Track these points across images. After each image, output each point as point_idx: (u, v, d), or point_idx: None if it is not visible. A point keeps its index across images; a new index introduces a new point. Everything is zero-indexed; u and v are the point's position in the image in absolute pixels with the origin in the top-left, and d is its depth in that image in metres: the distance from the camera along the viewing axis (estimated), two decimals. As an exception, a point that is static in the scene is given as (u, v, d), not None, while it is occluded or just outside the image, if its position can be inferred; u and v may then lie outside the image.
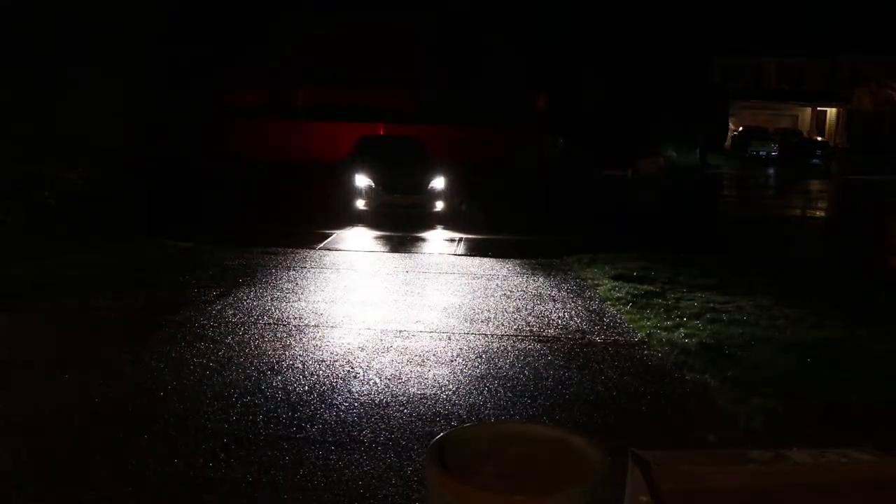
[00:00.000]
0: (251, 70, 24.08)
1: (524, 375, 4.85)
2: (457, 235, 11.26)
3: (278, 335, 5.63)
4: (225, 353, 5.15)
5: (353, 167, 13.15)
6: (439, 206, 12.84)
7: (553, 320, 6.25)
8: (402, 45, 24.99)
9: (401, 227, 11.88)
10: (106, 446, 3.69)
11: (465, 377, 4.79)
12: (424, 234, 11.35)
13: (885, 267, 10.27)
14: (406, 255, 9.64)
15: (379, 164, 13.11)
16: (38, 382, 4.57)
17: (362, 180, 12.83)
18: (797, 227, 15.31)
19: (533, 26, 26.73)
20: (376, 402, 4.34)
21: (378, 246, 10.35)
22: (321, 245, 9.97)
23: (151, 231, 11.05)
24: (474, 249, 10.13)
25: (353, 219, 12.34)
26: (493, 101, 24.81)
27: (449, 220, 12.65)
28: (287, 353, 5.21)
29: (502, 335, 5.77)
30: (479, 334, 5.78)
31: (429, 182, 12.85)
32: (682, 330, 5.91)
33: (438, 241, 10.82)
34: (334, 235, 10.87)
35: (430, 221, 12.46)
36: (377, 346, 5.41)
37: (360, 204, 12.68)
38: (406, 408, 4.25)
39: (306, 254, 9.22)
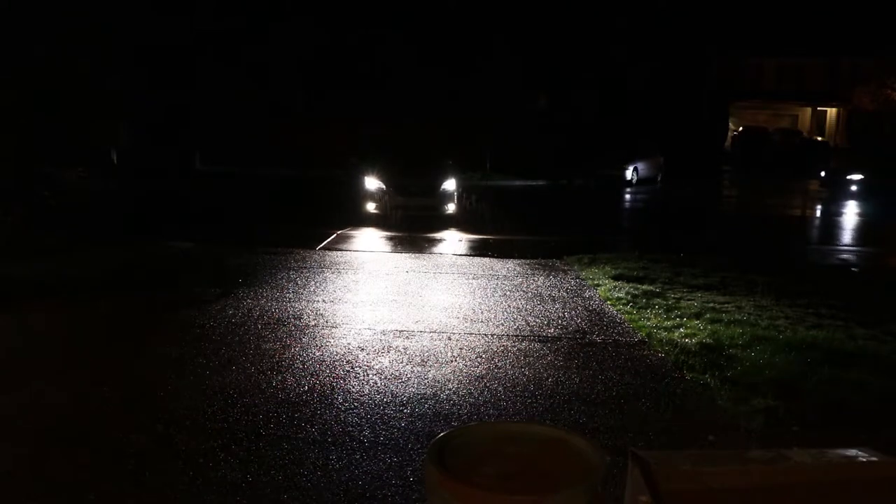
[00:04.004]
0: (245, 72, 24.04)
1: (524, 375, 4.85)
2: (457, 235, 11.26)
3: (279, 335, 5.63)
4: (225, 353, 5.15)
5: (362, 169, 12.78)
6: (451, 208, 12.53)
7: (553, 320, 6.25)
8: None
9: (402, 226, 11.88)
10: (105, 446, 3.69)
11: (465, 377, 4.79)
12: (424, 234, 11.34)
13: (883, 267, 10.27)
14: (405, 254, 9.64)
15: (389, 165, 12.72)
16: (36, 382, 4.58)
17: (372, 182, 12.46)
18: (796, 227, 15.30)
19: (533, 27, 26.74)
20: (376, 401, 4.34)
21: (378, 245, 10.36)
22: (321, 245, 9.97)
23: (152, 231, 11.06)
24: (475, 249, 10.13)
25: (362, 221, 12.19)
26: (493, 101, 24.80)
27: (453, 221, 12.63)
28: (288, 353, 5.21)
29: (502, 335, 5.77)
30: (479, 334, 5.78)
31: (441, 184, 12.54)
32: (682, 330, 5.91)
33: (438, 241, 10.83)
34: (335, 235, 10.87)
35: (433, 222, 12.42)
36: (378, 346, 5.41)
37: (371, 207, 12.36)
38: (406, 408, 4.25)
39: (307, 254, 9.22)
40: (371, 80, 24.54)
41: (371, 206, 12.39)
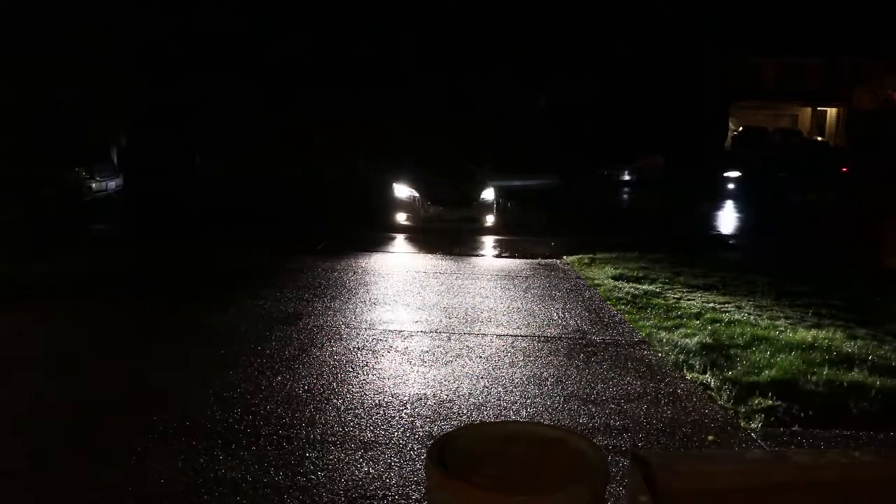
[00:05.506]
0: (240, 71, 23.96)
1: (524, 375, 4.85)
2: (456, 235, 11.23)
3: (280, 335, 5.63)
4: (226, 352, 5.15)
5: (390, 174, 11.90)
6: (490, 220, 11.53)
7: (554, 320, 6.25)
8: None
9: (408, 229, 11.83)
10: (105, 446, 3.69)
11: (465, 377, 4.79)
12: (421, 234, 11.31)
13: (883, 268, 10.27)
14: (403, 254, 9.64)
15: (420, 170, 11.83)
16: (38, 381, 4.58)
17: (403, 190, 11.48)
18: (796, 226, 15.30)
19: (533, 27, 26.75)
20: (376, 401, 4.34)
21: (376, 245, 10.33)
22: (322, 245, 9.96)
23: (154, 231, 11.06)
24: (475, 249, 10.12)
25: (375, 225, 11.69)
26: (493, 101, 24.79)
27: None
28: (287, 352, 5.21)
29: (503, 335, 5.77)
30: (479, 334, 5.78)
31: (479, 193, 11.56)
32: (682, 330, 5.91)
33: (435, 240, 10.80)
34: (332, 236, 10.86)
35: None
36: (378, 346, 5.41)
37: (402, 218, 11.40)
38: (406, 407, 4.25)
39: (309, 254, 9.21)
40: (372, 80, 24.53)
41: (402, 217, 11.35)
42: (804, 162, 21.98)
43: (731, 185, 19.32)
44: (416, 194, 11.37)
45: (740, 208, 17.45)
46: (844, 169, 20.80)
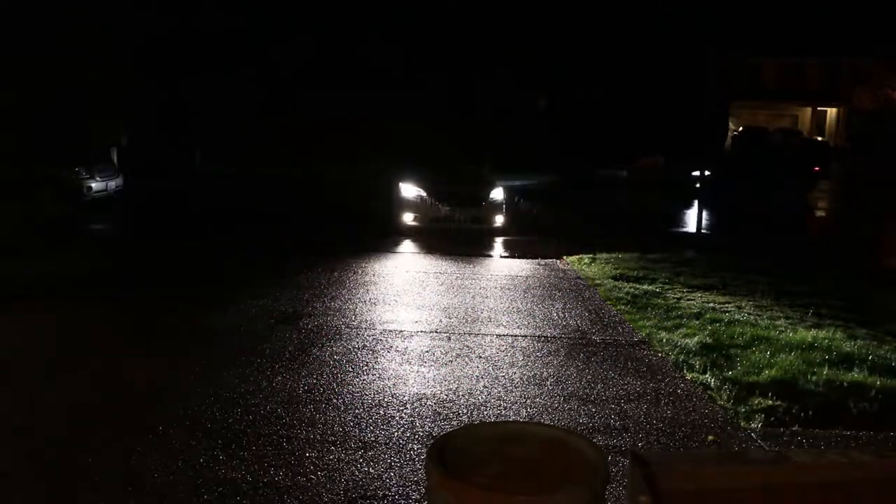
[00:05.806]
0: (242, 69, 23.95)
1: (524, 375, 4.85)
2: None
3: (280, 335, 5.62)
4: (226, 352, 5.15)
5: (397, 176, 11.65)
6: (499, 220, 11.29)
7: (554, 320, 6.25)
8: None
9: (406, 229, 11.81)
10: (105, 445, 3.69)
11: (465, 377, 4.79)
12: (416, 233, 11.30)
13: (883, 268, 10.26)
14: (403, 254, 9.63)
15: (427, 169, 11.63)
16: (38, 381, 4.58)
17: (409, 190, 11.21)
18: (796, 226, 15.30)
19: (533, 27, 26.75)
20: (376, 401, 4.34)
21: (374, 245, 10.32)
22: (321, 243, 9.96)
23: (153, 231, 11.05)
24: (475, 248, 10.10)
25: (375, 225, 11.50)
26: (493, 101, 24.78)
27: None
28: (287, 352, 5.21)
29: (503, 335, 5.77)
30: (479, 334, 5.78)
31: (489, 192, 11.30)
32: (682, 330, 5.91)
33: (433, 240, 10.78)
34: (330, 231, 10.85)
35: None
36: (379, 346, 5.41)
37: (409, 218, 11.09)
38: (406, 407, 4.25)
39: (308, 254, 9.21)
40: (372, 80, 24.53)
41: (409, 217, 11.08)
42: (775, 161, 21.91)
43: (697, 185, 19.33)
44: (424, 194, 11.15)
45: (705, 207, 17.49)
46: (816, 168, 20.71)
